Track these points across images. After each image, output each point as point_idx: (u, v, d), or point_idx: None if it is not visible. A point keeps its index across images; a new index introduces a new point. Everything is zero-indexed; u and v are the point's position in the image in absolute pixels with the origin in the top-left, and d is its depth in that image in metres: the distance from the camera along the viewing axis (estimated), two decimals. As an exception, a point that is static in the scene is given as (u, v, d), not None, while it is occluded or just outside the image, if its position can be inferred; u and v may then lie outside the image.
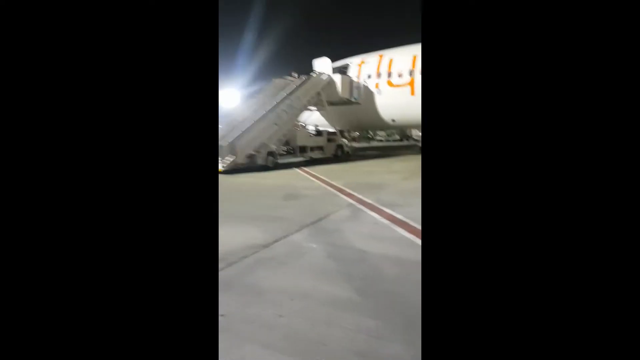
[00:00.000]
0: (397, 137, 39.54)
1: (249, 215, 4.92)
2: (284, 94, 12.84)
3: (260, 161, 11.13)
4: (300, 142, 13.41)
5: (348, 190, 6.74)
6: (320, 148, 14.48)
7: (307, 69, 15.63)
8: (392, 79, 14.82)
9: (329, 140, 14.99)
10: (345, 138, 16.41)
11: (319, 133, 14.60)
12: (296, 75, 15.40)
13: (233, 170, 10.45)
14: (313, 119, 15.35)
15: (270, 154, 11.41)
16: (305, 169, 11.36)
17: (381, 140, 38.54)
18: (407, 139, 37.04)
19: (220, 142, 11.46)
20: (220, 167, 10.24)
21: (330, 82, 14.42)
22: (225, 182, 8.38)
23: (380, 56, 15.54)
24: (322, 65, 15.61)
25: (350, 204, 5.56)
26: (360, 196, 6.13)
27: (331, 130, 15.49)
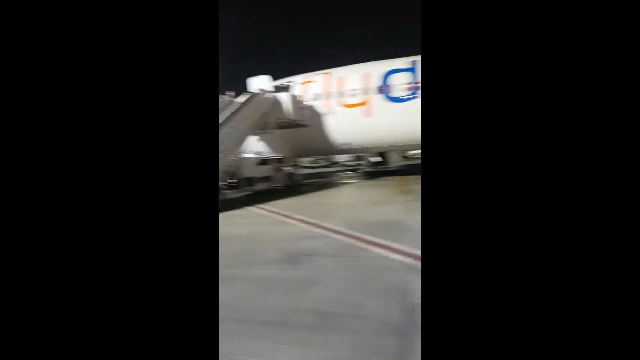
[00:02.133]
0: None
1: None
2: (226, 113, 10.29)
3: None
4: (247, 172, 10.86)
5: (376, 240, 4.60)
6: (267, 178, 12.09)
7: (239, 89, 13.23)
8: (344, 99, 13.35)
9: (276, 169, 12.69)
10: (293, 166, 14.23)
11: (264, 161, 12.20)
12: (233, 93, 12.94)
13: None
14: (251, 145, 12.87)
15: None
16: (262, 206, 8.90)
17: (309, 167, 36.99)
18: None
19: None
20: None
21: (276, 102, 12.31)
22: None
23: (327, 74, 14.07)
24: (260, 84, 13.42)
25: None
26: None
27: (276, 157, 13.17)
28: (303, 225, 6.02)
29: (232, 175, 10.22)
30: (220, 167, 9.15)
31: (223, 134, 9.47)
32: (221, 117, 10.56)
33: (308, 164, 25.49)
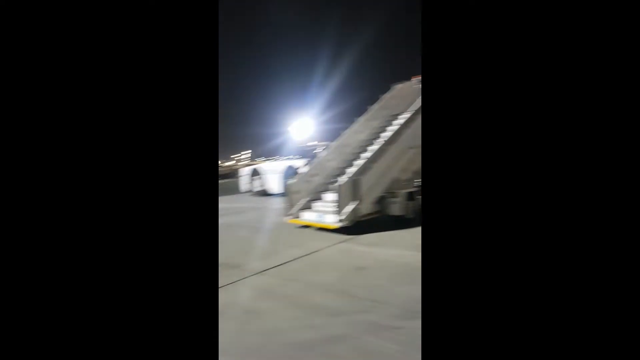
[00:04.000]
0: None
1: None
2: (419, 102, 8.35)
3: (395, 210, 6.54)
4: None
5: None
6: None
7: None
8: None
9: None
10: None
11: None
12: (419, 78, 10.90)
13: (352, 225, 5.98)
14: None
15: (410, 196, 6.80)
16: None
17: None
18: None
19: (324, 182, 7.27)
20: (335, 223, 5.86)
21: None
22: (357, 267, 3.71)
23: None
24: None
25: None
26: None
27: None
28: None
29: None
30: (415, 167, 7.17)
31: (418, 122, 7.52)
32: (414, 105, 8.64)
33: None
